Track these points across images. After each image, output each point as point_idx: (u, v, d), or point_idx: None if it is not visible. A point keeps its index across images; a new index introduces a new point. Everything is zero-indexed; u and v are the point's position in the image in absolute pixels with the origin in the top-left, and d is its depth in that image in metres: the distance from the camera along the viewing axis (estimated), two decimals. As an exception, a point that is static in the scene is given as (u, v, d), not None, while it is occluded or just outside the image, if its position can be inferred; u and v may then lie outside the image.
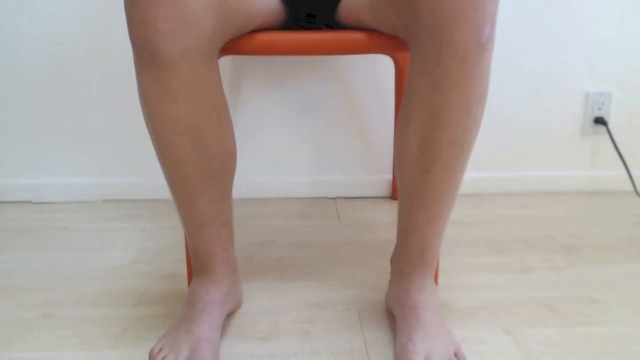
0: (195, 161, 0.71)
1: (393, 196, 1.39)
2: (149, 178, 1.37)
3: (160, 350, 0.74)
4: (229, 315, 0.87)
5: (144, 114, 0.70)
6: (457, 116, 0.66)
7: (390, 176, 1.39)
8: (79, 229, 1.21)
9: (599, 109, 1.36)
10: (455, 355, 0.74)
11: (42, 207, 1.34)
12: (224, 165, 0.75)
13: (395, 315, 0.81)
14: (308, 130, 1.36)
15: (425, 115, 0.67)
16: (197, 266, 0.82)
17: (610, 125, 1.37)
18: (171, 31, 0.62)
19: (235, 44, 0.79)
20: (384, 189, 1.40)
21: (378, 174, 1.39)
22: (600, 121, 1.36)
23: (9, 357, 0.78)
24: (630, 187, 1.41)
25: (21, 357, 0.78)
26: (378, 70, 1.32)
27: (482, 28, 0.61)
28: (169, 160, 0.72)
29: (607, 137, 1.38)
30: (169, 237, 1.16)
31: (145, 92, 0.67)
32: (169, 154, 0.71)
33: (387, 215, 1.28)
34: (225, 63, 1.31)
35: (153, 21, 0.62)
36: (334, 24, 0.92)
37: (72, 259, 1.07)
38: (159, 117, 0.68)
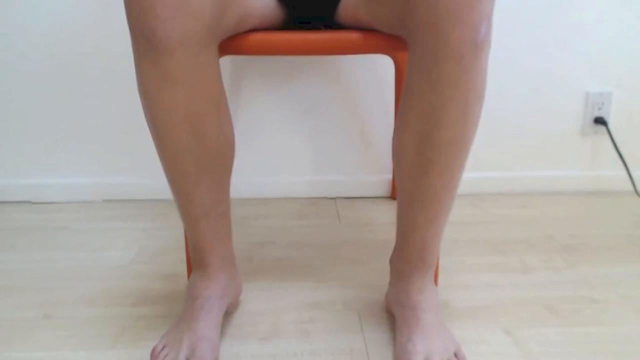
0: (192, 150, 0.71)
1: (393, 196, 1.39)
2: (149, 178, 1.37)
3: (163, 348, 0.74)
4: (229, 315, 0.87)
5: (142, 103, 0.70)
6: (454, 116, 0.66)
7: (390, 176, 1.39)
8: (79, 229, 1.21)
9: (599, 109, 1.36)
10: (455, 355, 0.74)
11: (42, 207, 1.34)
12: (221, 155, 0.75)
13: (395, 315, 0.81)
14: (308, 131, 1.36)
15: (423, 116, 0.67)
16: (195, 259, 0.82)
17: (610, 125, 1.37)
18: (169, 17, 0.62)
19: (235, 43, 0.79)
20: (384, 189, 1.40)
21: (378, 174, 1.39)
22: (600, 121, 1.35)
23: (9, 357, 0.78)
24: (630, 187, 1.41)
25: (21, 357, 0.78)
26: (378, 70, 1.32)
27: (478, 28, 0.61)
28: (167, 150, 0.72)
29: (607, 137, 1.38)
30: (169, 237, 1.16)
31: (143, 79, 0.67)
32: (166, 143, 0.71)
33: (387, 215, 1.28)
34: (225, 63, 1.31)
35: (151, 7, 0.62)
36: (333, 24, 0.92)
37: (72, 259, 1.07)
38: (157, 105, 0.68)
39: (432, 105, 0.66)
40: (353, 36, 0.80)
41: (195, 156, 0.72)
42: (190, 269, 0.92)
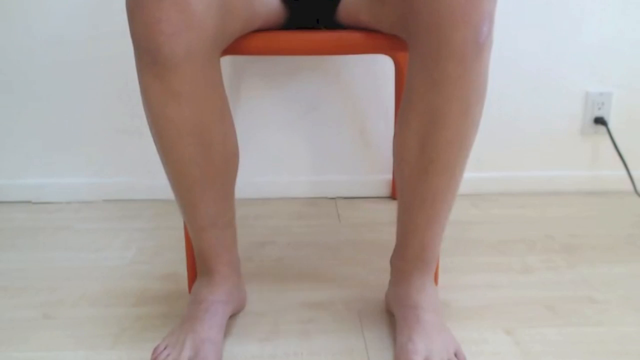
0: (198, 162, 0.71)
1: (393, 196, 1.39)
2: (149, 178, 1.37)
3: (165, 348, 0.74)
4: (231, 315, 0.87)
5: (146, 116, 0.70)
6: (456, 116, 0.66)
7: (390, 176, 1.39)
8: (79, 229, 1.21)
9: (599, 109, 1.36)
10: (455, 355, 0.74)
11: (42, 207, 1.34)
12: (226, 165, 0.75)
13: (395, 315, 0.81)
14: (308, 130, 1.36)
15: (424, 115, 0.67)
16: (201, 267, 0.82)
17: (610, 125, 1.37)
18: (174, 32, 0.62)
19: (235, 44, 0.79)
20: (384, 189, 1.40)
21: (378, 174, 1.39)
22: (600, 121, 1.35)
23: (9, 357, 0.78)
24: (630, 187, 1.41)
25: (21, 357, 0.78)
26: (378, 70, 1.32)
27: (480, 28, 0.61)
28: (172, 162, 0.72)
29: (607, 137, 1.38)
30: (169, 237, 1.16)
31: (148, 93, 0.67)
32: (172, 156, 0.71)
33: (387, 215, 1.28)
34: (226, 63, 1.31)
35: (156, 22, 0.62)
36: (333, 25, 0.92)
37: (72, 259, 1.07)
38: (162, 119, 0.68)
39: (433, 105, 0.66)
40: (353, 36, 0.80)
41: (200, 168, 0.72)
42: (190, 271, 0.92)
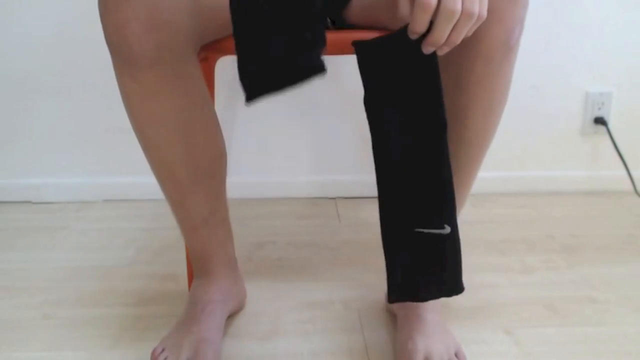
0: (183, 161, 0.71)
1: (393, 196, 1.39)
2: (149, 178, 1.36)
3: (163, 350, 0.74)
4: (231, 315, 0.87)
5: (128, 117, 0.69)
6: (478, 117, 0.66)
7: (390, 176, 1.39)
8: (79, 229, 1.21)
9: (599, 109, 1.36)
10: (456, 355, 0.74)
11: (42, 207, 1.34)
12: (212, 163, 0.74)
13: (396, 314, 0.81)
14: (308, 130, 1.36)
15: (447, 114, 0.67)
16: (196, 267, 0.82)
17: (610, 125, 1.37)
18: (144, 32, 0.61)
19: (229, 44, 0.78)
20: (384, 189, 1.40)
21: (378, 174, 1.39)
22: (600, 121, 1.35)
23: (9, 357, 0.78)
24: (630, 187, 1.41)
25: (21, 357, 0.78)
26: (378, 70, 1.31)
27: (512, 31, 0.62)
28: (157, 162, 0.71)
29: (607, 137, 1.38)
30: (169, 237, 1.16)
31: (125, 93, 0.67)
32: (156, 156, 0.71)
33: (387, 215, 1.28)
34: (225, 63, 1.31)
35: (126, 22, 0.61)
36: (340, 23, 0.91)
37: (72, 259, 1.07)
38: (141, 118, 0.67)
39: (457, 105, 0.66)
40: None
41: (186, 166, 0.71)
42: (190, 271, 0.92)
